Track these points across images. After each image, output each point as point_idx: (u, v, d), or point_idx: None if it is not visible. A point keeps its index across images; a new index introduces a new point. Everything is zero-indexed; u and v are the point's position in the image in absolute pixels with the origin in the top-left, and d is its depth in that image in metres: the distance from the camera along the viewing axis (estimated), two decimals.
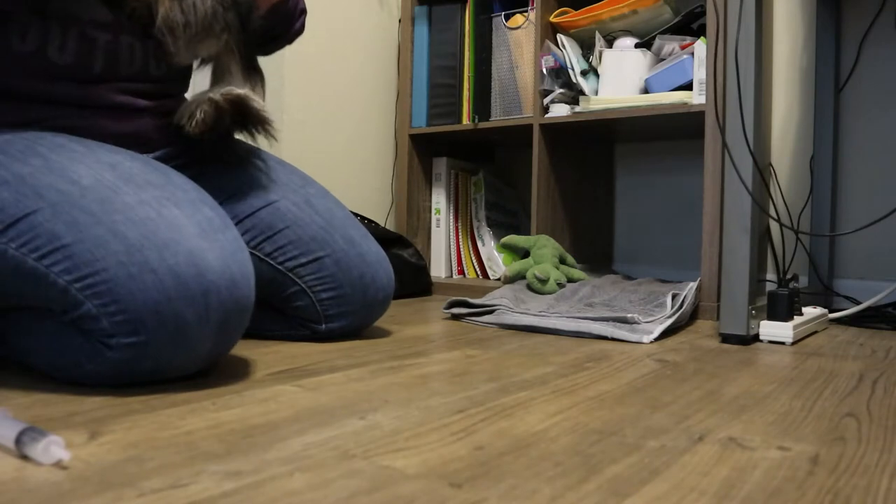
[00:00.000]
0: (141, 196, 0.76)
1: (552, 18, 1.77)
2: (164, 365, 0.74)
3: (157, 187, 0.79)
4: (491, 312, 1.36)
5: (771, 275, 1.73)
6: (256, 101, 0.92)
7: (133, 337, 0.71)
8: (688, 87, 1.55)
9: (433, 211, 2.06)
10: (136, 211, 0.74)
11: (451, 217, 2.05)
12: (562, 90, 1.73)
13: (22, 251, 0.72)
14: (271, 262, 1.01)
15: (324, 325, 1.05)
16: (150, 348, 0.72)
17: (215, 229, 0.78)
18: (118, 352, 0.72)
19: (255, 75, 1.01)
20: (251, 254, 0.99)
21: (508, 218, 2.10)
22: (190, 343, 0.73)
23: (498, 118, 1.89)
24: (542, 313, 1.31)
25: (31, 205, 0.74)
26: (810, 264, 1.64)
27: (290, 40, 1.14)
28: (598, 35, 1.71)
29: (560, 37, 1.74)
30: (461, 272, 2.03)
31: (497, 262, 1.93)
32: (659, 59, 1.64)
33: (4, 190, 0.75)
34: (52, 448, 0.52)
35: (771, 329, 1.16)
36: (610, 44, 1.72)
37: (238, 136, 1.00)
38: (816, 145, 1.66)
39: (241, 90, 0.91)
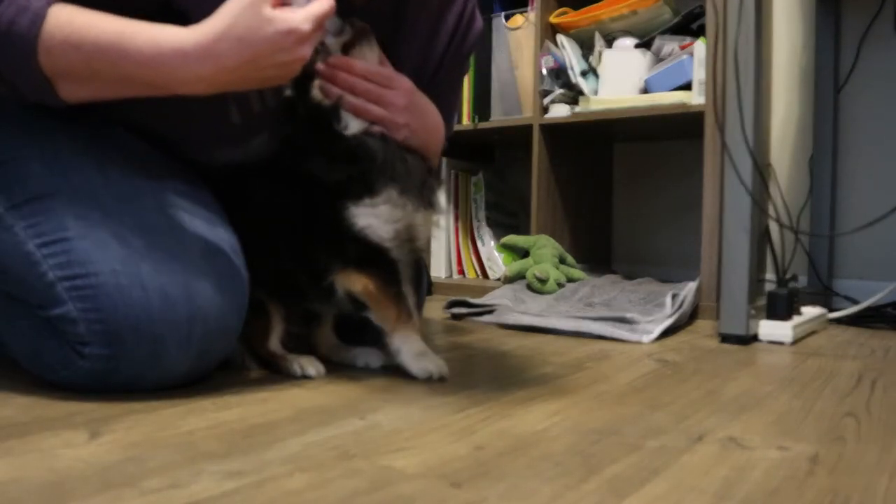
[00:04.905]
0: (160, 202, 0.76)
1: (552, 19, 1.77)
2: (137, 380, 0.73)
3: (180, 195, 0.78)
4: (491, 312, 1.36)
5: (770, 275, 1.73)
6: None
7: (107, 349, 0.70)
8: (687, 87, 1.55)
9: None
10: (148, 217, 0.74)
11: (451, 217, 2.05)
12: (562, 90, 1.73)
13: (27, 232, 0.71)
14: None
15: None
16: (123, 363, 0.71)
17: (221, 251, 0.77)
18: (90, 361, 0.70)
19: None
20: None
21: (508, 218, 2.09)
22: (165, 365, 0.72)
23: (498, 118, 1.89)
24: (542, 313, 1.31)
25: (54, 186, 0.72)
26: (810, 264, 1.64)
27: None
28: (597, 35, 1.71)
29: (560, 37, 1.74)
30: (461, 272, 2.03)
31: (497, 262, 1.93)
32: (659, 59, 1.64)
33: (37, 162, 0.74)
34: None
35: (770, 329, 1.16)
36: (610, 44, 1.71)
37: None
38: (816, 145, 1.65)
39: None
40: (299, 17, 0.68)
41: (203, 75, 0.68)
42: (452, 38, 0.99)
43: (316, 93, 0.83)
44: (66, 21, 0.67)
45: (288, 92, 0.83)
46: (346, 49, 0.83)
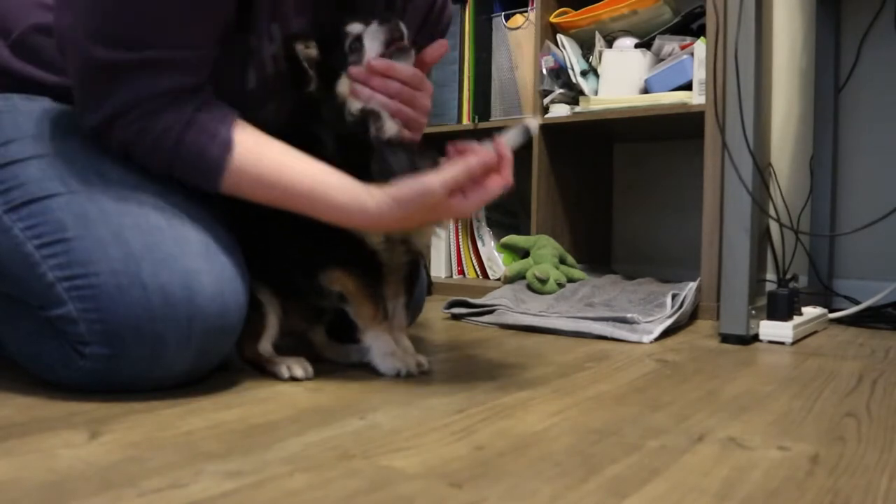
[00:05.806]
0: (159, 202, 0.75)
1: (552, 18, 1.77)
2: (137, 379, 0.73)
3: (178, 195, 0.78)
4: (491, 312, 1.36)
5: (771, 275, 1.73)
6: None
7: (107, 349, 0.70)
8: (687, 87, 1.55)
9: None
10: (147, 217, 0.74)
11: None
12: (562, 90, 1.73)
13: (26, 234, 0.71)
14: None
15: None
16: (124, 362, 0.71)
17: (220, 250, 0.77)
18: (90, 361, 0.71)
19: None
20: None
21: (508, 218, 2.09)
22: (165, 363, 0.72)
23: (498, 118, 1.89)
24: (542, 313, 1.31)
25: (52, 188, 0.72)
26: (810, 264, 1.64)
27: None
28: (598, 35, 1.71)
29: (560, 37, 1.74)
30: (461, 272, 2.03)
31: (497, 262, 1.93)
32: (659, 59, 1.64)
33: (35, 165, 0.74)
34: None
35: (771, 329, 1.16)
36: (610, 44, 1.71)
37: None
38: (816, 145, 1.65)
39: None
40: (463, 208, 0.79)
41: (372, 228, 0.79)
42: (425, 22, 1.00)
43: (343, 88, 0.82)
44: (255, 157, 0.75)
45: (312, 87, 0.83)
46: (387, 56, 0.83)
